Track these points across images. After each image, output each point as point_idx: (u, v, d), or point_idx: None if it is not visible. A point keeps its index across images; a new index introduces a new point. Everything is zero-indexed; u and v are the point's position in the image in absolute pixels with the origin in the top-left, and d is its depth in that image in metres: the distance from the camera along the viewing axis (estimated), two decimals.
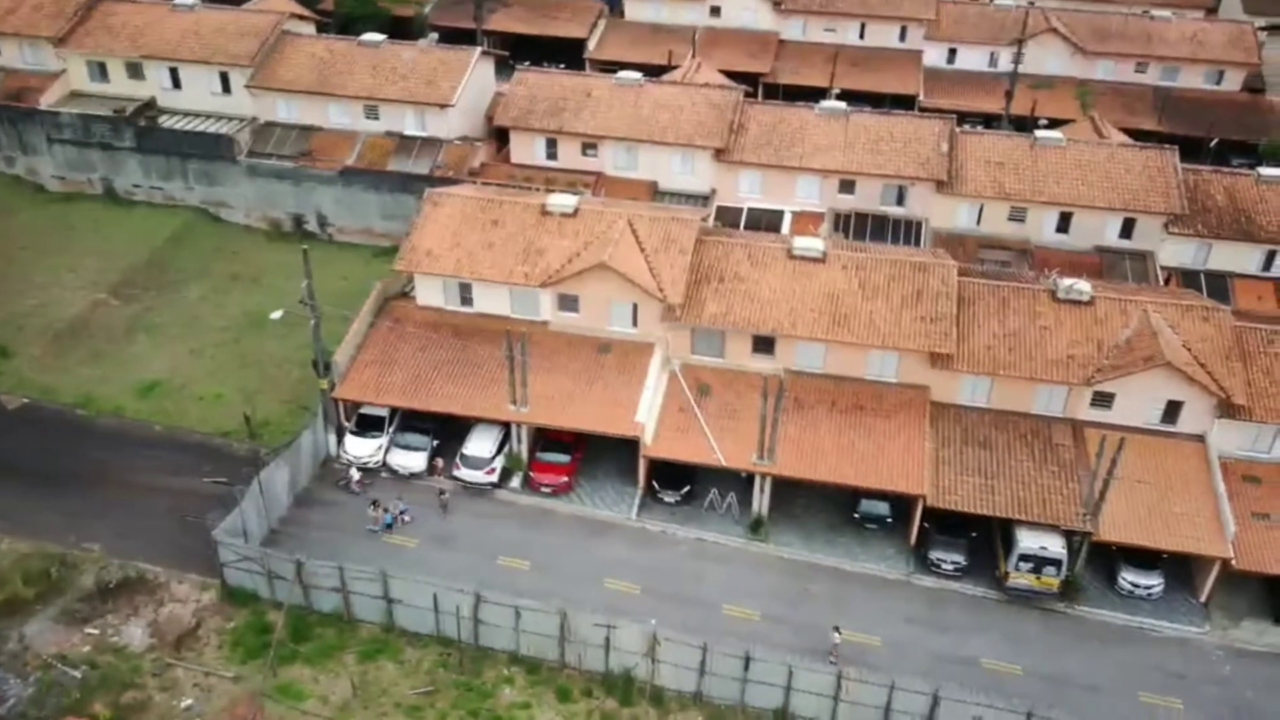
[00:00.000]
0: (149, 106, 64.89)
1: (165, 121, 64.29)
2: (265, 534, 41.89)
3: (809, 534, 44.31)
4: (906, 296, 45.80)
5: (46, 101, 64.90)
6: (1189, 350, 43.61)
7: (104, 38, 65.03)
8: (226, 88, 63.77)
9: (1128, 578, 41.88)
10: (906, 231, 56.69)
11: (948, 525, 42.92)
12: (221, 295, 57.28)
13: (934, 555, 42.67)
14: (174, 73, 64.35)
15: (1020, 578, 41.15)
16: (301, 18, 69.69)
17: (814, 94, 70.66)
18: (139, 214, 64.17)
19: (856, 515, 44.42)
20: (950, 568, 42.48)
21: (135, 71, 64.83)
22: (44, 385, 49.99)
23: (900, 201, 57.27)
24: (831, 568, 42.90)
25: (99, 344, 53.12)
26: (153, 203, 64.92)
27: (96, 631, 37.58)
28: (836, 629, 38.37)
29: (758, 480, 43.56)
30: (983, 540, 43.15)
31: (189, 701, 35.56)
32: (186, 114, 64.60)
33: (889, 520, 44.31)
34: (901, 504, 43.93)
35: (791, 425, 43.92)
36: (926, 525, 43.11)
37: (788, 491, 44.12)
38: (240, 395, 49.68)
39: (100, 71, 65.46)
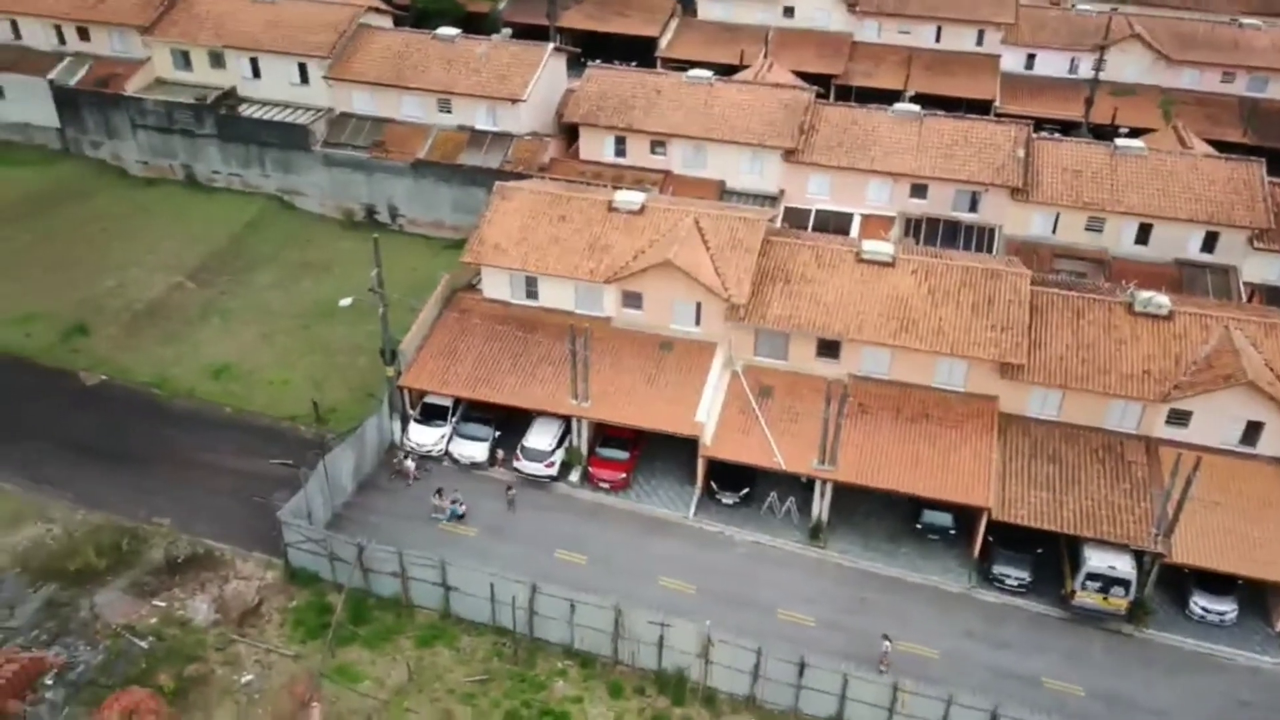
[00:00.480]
0: (229, 95, 66.32)
1: (245, 110, 65.66)
2: (329, 517, 42.51)
3: (868, 542, 43.75)
4: (977, 304, 44.98)
5: (132, 88, 66.65)
6: (1272, 370, 42.22)
7: (188, 27, 66.61)
8: (304, 78, 64.90)
9: (1199, 602, 40.65)
10: (979, 238, 55.75)
11: (1013, 539, 42.01)
12: (293, 282, 58.33)
13: (997, 570, 41.85)
14: (254, 62, 65.66)
15: (1087, 597, 40.17)
16: (379, 11, 70.63)
17: (887, 97, 69.89)
18: (218, 200, 65.63)
19: (918, 525, 43.74)
20: (1014, 583, 41.61)
21: (217, 60, 66.29)
22: (120, 364, 51.34)
23: (973, 208, 56.34)
24: (890, 577, 42.31)
25: (174, 326, 54.40)
26: (231, 189, 66.39)
27: (163, 604, 38.48)
28: (886, 637, 37.88)
29: (818, 485, 43.13)
30: (1048, 557, 42.15)
31: (249, 677, 36.24)
32: (265, 103, 65.92)
33: (951, 532, 43.55)
34: (965, 516, 43.14)
35: (854, 431, 43.39)
36: (990, 539, 42.28)
37: (848, 498, 43.61)
38: (308, 381, 50.51)
39: (184, 60, 67.06)
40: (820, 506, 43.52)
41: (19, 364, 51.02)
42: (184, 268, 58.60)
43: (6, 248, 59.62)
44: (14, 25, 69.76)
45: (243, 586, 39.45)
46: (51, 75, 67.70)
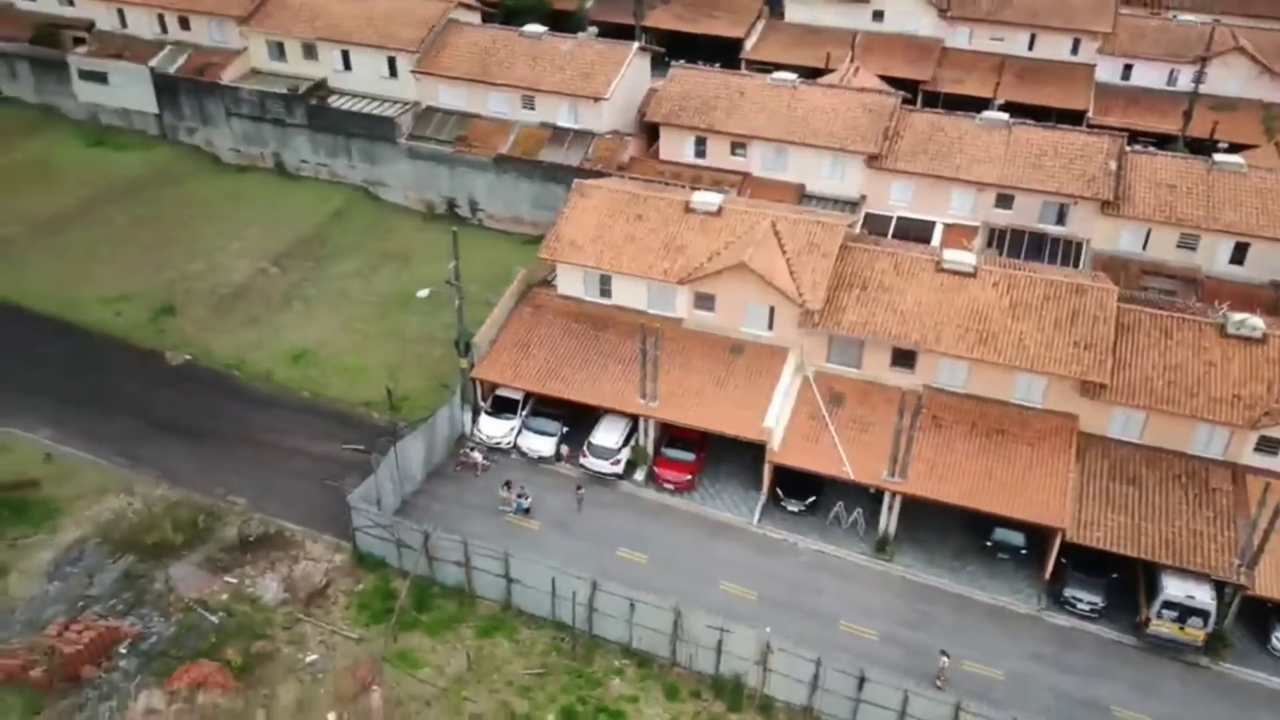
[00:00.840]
0: (320, 86, 67.77)
1: (334, 101, 67.02)
2: (397, 504, 43.16)
3: (936, 557, 42.92)
4: (1060, 319, 43.81)
5: (228, 77, 68.55)
6: None
7: (284, 18, 68.25)
8: (393, 72, 66.01)
9: None
10: (1065, 252, 54.28)
11: (1086, 562, 40.84)
12: (373, 271, 59.39)
13: (1069, 593, 40.69)
14: (345, 55, 66.99)
15: (1162, 626, 38.83)
16: (468, 7, 71.48)
17: (976, 104, 68.47)
18: (305, 188, 67.17)
19: (989, 543, 42.75)
20: (1086, 607, 40.41)
21: (310, 52, 67.78)
22: (204, 345, 52.84)
23: (1060, 220, 54.87)
24: (957, 594, 41.44)
25: (257, 310, 55.80)
26: (318, 179, 67.88)
27: (235, 581, 39.46)
28: (944, 653, 37.15)
29: (886, 497, 42.44)
30: (1123, 582, 40.84)
31: (314, 657, 36.97)
32: (354, 95, 67.20)
33: (1023, 551, 42.48)
34: (1038, 535, 42.04)
35: (927, 444, 42.59)
36: (1064, 560, 41.16)
37: (917, 512, 42.82)
38: (383, 368, 51.35)
39: (278, 51, 68.72)
40: (887, 519, 42.82)
41: (111, 342, 52.84)
42: (269, 254, 60.09)
43: (105, 229, 61.83)
44: (121, 14, 72.26)
45: (311, 568, 40.25)
46: (153, 63, 69.96)
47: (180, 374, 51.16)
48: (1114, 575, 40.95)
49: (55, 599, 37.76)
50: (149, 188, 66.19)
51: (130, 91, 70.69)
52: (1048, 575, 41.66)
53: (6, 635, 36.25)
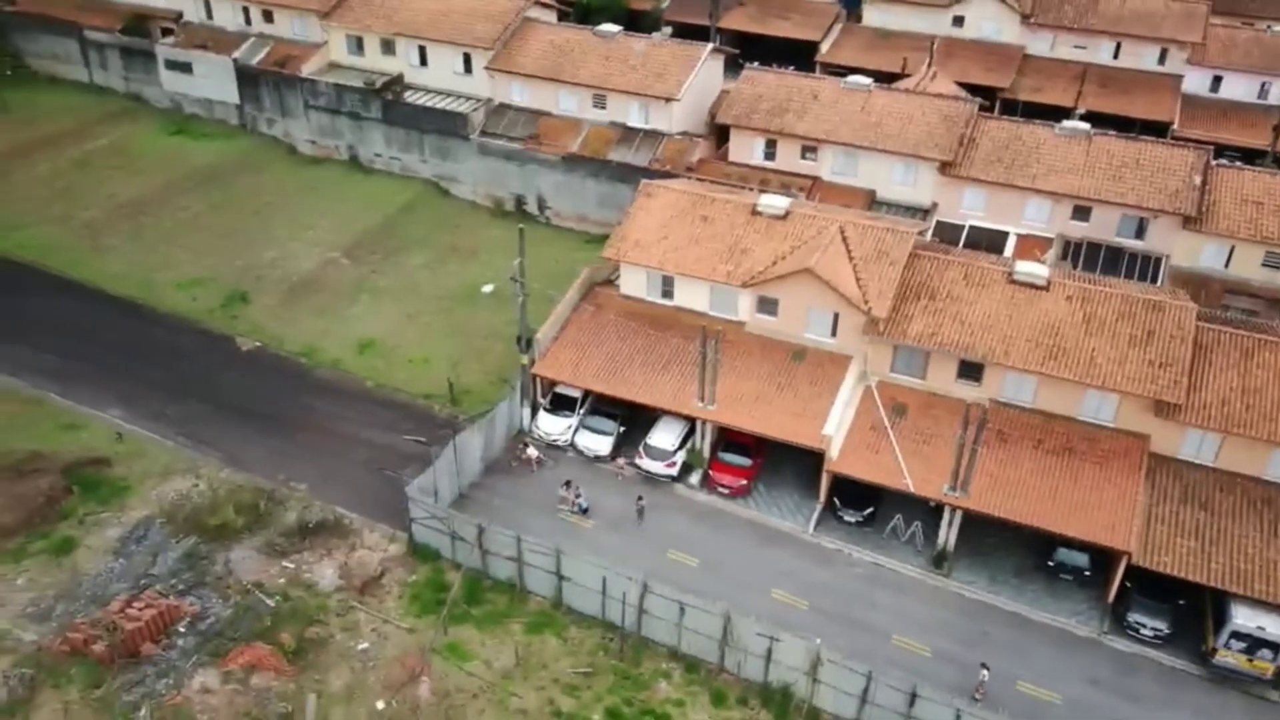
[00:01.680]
0: (396, 81, 68.73)
1: (409, 96, 67.89)
2: (455, 496, 43.49)
3: (995, 575, 41.96)
4: (1135, 336, 42.52)
5: (307, 70, 69.92)
6: None
7: (363, 13, 69.36)
8: (468, 68, 66.68)
9: None
10: (1143, 267, 52.74)
11: (1152, 587, 39.58)
12: (440, 265, 60.01)
13: (1133, 618, 39.47)
14: (422, 50, 67.87)
15: (1229, 656, 37.45)
16: (544, 5, 71.91)
17: (1056, 113, 66.88)
18: (377, 182, 68.19)
19: (1051, 563, 41.67)
20: (1150, 634, 39.16)
21: (388, 47, 68.79)
22: (274, 333, 53.88)
23: (1139, 234, 53.32)
24: (1015, 614, 40.45)
25: (326, 299, 56.75)
26: (390, 172, 68.87)
27: (292, 566, 40.12)
28: (984, 665, 36.36)
29: (946, 512, 41.60)
30: (1190, 609, 39.53)
31: (365, 645, 37.40)
32: (429, 90, 68.01)
33: (1086, 573, 41.33)
34: (1102, 557, 40.87)
35: (991, 459, 41.64)
36: (1128, 584, 39.93)
37: (977, 528, 41.90)
38: (446, 361, 51.85)
39: (357, 45, 69.87)
40: (947, 534, 41.97)
41: (186, 325, 54.20)
42: (340, 244, 61.07)
43: (184, 216, 63.49)
44: (207, 6, 74.13)
45: (367, 556, 40.74)
46: (236, 54, 71.61)
47: (250, 359, 52.23)
48: (1180, 601, 39.63)
49: (120, 576, 38.76)
50: (227, 176, 67.82)
51: (213, 82, 72.49)
52: (1111, 598, 40.48)
53: (73, 609, 37.33)
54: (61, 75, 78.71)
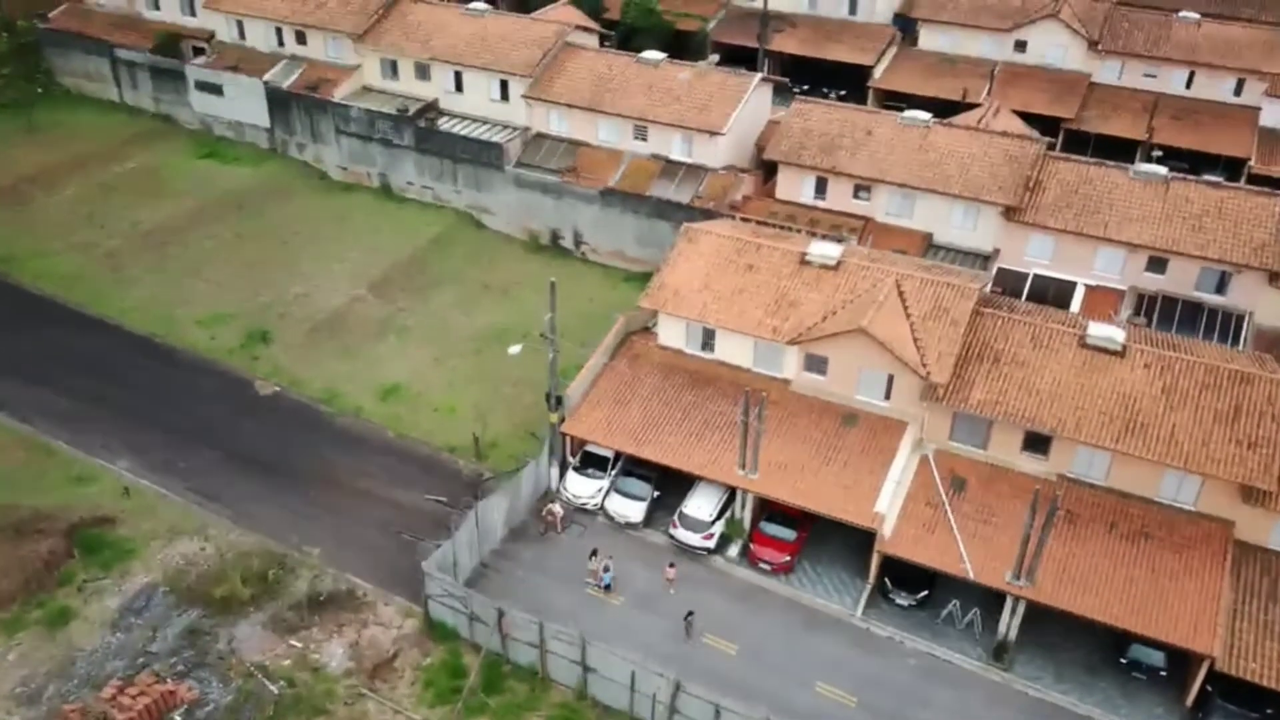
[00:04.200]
0: (431, 107, 66.19)
1: (443, 124, 65.31)
2: (475, 564, 40.70)
3: (1061, 671, 38.35)
4: (1221, 412, 38.75)
5: (340, 94, 67.58)
6: None
7: (399, 37, 66.87)
8: (505, 95, 63.94)
9: None
10: (1223, 325, 48.76)
11: (1236, 691, 35.81)
12: (472, 303, 57.25)
13: None
14: (458, 76, 65.20)
15: None
16: (586, 30, 69.07)
17: (1124, 146, 62.94)
18: (408, 211, 65.66)
19: (1123, 660, 37.99)
20: None
21: (423, 72, 66.24)
22: (295, 375, 51.40)
23: (1220, 289, 49.34)
24: (1083, 716, 36.84)
25: (352, 340, 54.21)
26: (422, 201, 66.30)
27: (299, 645, 37.40)
28: None
29: (1009, 599, 38.05)
30: (1278, 717, 35.71)
31: None
32: (463, 118, 65.36)
33: (1163, 673, 37.62)
34: (1179, 654, 37.10)
35: (1059, 542, 38.07)
36: (1209, 688, 36.21)
37: (1042, 616, 38.31)
38: (472, 410, 49.07)
39: (392, 69, 67.42)
40: (1008, 624, 38.42)
41: (202, 365, 51.92)
42: (367, 279, 58.51)
43: (210, 245, 61.34)
44: (240, 26, 72.12)
45: (380, 634, 38.02)
46: (267, 77, 69.49)
47: (268, 405, 49.78)
48: (1269, 711, 35.81)
49: (117, 652, 36.32)
50: (255, 202, 65.63)
51: (244, 104, 70.44)
52: (1190, 702, 36.80)
53: (65, 690, 34.97)
54: (92, 94, 77.09)
